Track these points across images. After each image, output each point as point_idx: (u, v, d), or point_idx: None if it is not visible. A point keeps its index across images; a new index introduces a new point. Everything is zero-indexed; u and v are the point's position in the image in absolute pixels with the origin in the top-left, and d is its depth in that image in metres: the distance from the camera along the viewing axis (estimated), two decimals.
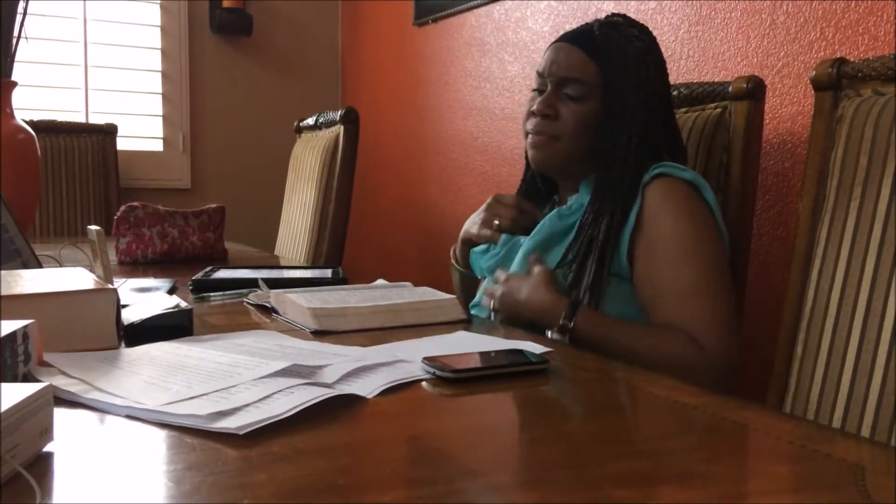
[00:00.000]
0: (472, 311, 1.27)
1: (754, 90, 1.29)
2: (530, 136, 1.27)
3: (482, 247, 1.36)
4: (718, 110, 1.33)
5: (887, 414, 0.96)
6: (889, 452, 0.60)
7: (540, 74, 1.28)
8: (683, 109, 1.40)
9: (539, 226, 1.26)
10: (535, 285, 1.14)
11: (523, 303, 1.14)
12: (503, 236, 1.33)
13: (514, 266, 1.24)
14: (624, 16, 1.29)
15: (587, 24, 1.28)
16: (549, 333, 1.11)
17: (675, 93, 1.40)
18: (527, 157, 1.32)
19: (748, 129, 1.28)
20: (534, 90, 1.29)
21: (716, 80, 1.42)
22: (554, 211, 1.27)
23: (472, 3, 2.47)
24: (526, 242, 1.26)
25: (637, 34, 1.25)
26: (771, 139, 1.49)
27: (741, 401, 0.72)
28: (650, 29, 1.29)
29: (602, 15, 1.92)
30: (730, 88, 1.31)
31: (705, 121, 1.34)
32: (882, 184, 1.02)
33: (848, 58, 1.13)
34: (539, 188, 1.38)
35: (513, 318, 1.17)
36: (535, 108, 1.25)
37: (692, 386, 0.77)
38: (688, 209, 1.15)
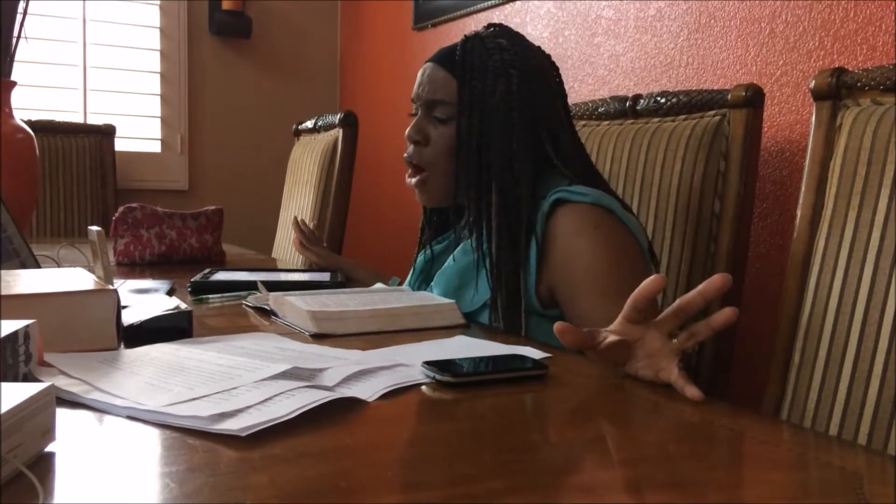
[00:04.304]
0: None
1: (753, 98, 1.29)
2: (407, 174, 1.24)
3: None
4: (717, 118, 1.33)
5: (884, 422, 0.96)
6: (887, 460, 0.60)
7: (412, 100, 1.24)
8: (682, 117, 1.40)
9: (446, 264, 1.22)
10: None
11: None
12: (410, 275, 1.34)
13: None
14: (499, 26, 1.23)
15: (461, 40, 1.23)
16: None
17: (674, 100, 1.41)
18: None
19: (747, 137, 1.29)
20: (410, 115, 1.26)
21: (715, 87, 1.42)
22: (459, 246, 1.22)
23: (471, 8, 2.48)
24: (435, 282, 1.21)
25: (505, 45, 1.18)
26: (769, 147, 1.50)
27: (738, 408, 0.73)
28: (531, 44, 1.23)
29: (602, 21, 1.94)
30: (728, 96, 1.32)
31: (704, 128, 1.34)
32: (880, 193, 1.02)
33: (846, 67, 1.14)
34: (439, 216, 1.33)
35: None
36: (406, 133, 1.22)
37: None
38: (600, 239, 1.09)
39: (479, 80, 1.16)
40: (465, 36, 1.22)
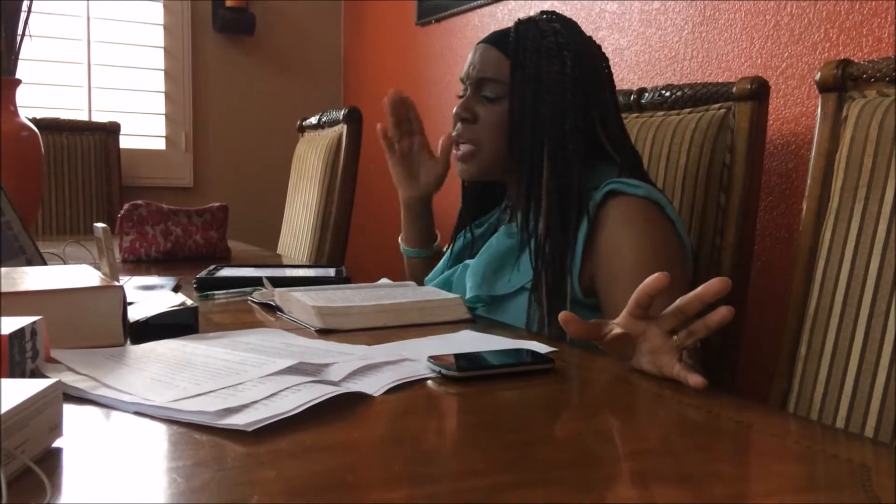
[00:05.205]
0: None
1: (758, 91, 1.29)
2: (453, 147, 1.25)
3: (434, 272, 1.34)
4: (722, 111, 1.33)
5: (890, 415, 0.96)
6: (894, 453, 0.60)
7: (461, 80, 1.25)
8: (687, 110, 1.40)
9: (486, 246, 1.22)
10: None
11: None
12: (445, 258, 1.32)
13: (469, 291, 1.18)
14: (553, 12, 1.24)
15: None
16: None
17: (678, 93, 1.41)
18: None
19: (752, 129, 1.29)
20: (458, 96, 1.27)
21: (719, 80, 1.42)
22: (501, 229, 1.23)
23: (475, 3, 2.47)
24: (473, 263, 1.21)
25: (558, 28, 1.18)
26: (774, 140, 1.49)
27: (745, 401, 0.72)
28: (575, 26, 1.23)
29: (606, 15, 1.94)
30: (734, 89, 1.31)
31: (709, 121, 1.34)
32: (886, 185, 1.02)
33: (852, 59, 1.14)
34: (479, 200, 1.34)
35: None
36: (454, 111, 1.23)
37: None
38: (647, 233, 1.09)
39: (532, 60, 1.16)
40: (519, 19, 1.22)
